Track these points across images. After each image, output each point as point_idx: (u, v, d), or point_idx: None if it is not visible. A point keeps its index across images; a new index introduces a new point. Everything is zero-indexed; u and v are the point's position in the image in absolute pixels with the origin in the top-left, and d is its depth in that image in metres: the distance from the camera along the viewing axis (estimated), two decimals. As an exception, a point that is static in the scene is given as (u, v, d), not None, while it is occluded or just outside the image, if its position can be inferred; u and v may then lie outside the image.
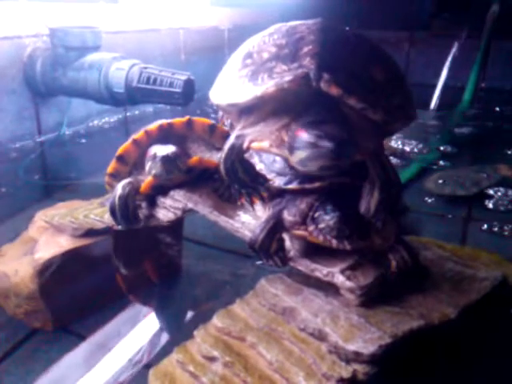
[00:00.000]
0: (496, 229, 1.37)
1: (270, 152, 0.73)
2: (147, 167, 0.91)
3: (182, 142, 0.99)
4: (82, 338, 0.92)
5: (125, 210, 0.94)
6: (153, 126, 0.96)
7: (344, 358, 0.67)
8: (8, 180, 1.71)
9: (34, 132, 2.16)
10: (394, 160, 1.89)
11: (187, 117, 0.98)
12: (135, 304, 1.06)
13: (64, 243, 1.01)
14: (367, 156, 0.71)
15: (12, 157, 1.97)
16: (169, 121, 0.97)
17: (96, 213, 1.04)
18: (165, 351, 0.80)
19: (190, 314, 1.02)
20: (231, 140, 0.75)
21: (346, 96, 0.64)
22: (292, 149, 0.67)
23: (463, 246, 1.22)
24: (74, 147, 2.18)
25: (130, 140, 0.96)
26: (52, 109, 2.22)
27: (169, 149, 0.91)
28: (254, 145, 0.73)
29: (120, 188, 0.94)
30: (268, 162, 0.85)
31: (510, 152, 2.09)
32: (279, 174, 0.82)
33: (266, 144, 0.71)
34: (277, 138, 0.70)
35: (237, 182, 0.78)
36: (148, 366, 0.81)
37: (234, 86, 0.71)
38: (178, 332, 0.96)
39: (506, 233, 1.35)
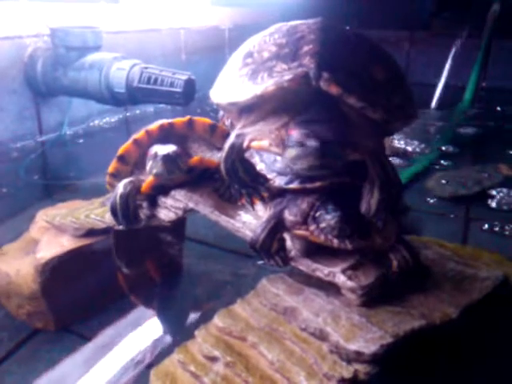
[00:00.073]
0: (497, 228, 1.37)
1: (270, 151, 0.73)
2: (148, 166, 0.91)
3: (183, 142, 0.99)
4: (83, 338, 0.92)
5: (126, 209, 0.94)
6: (153, 125, 0.96)
7: (345, 357, 0.67)
8: (9, 180, 1.71)
9: (35, 132, 2.16)
10: (396, 160, 1.89)
11: (188, 116, 0.98)
12: (136, 304, 1.06)
13: (65, 243, 1.01)
14: (366, 155, 0.71)
15: (13, 157, 1.97)
16: (169, 120, 0.97)
17: (97, 213, 1.04)
18: (166, 351, 0.80)
19: (191, 314, 1.02)
20: (231, 139, 0.75)
21: (345, 95, 0.64)
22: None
23: (464, 245, 1.22)
24: (75, 147, 2.18)
25: (130, 140, 0.96)
26: (53, 109, 2.23)
27: (170, 148, 0.91)
28: (254, 144, 0.73)
29: (121, 187, 0.94)
30: (269, 162, 0.85)
31: (511, 152, 2.09)
32: (280, 173, 0.82)
33: (265, 143, 0.71)
34: (276, 137, 0.70)
35: (237, 181, 0.78)
36: (149, 366, 0.81)
37: (234, 85, 0.71)
38: (179, 332, 0.96)
39: (507, 232, 1.35)
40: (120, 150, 0.97)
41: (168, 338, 0.95)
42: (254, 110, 0.72)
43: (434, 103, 2.99)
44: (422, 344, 0.72)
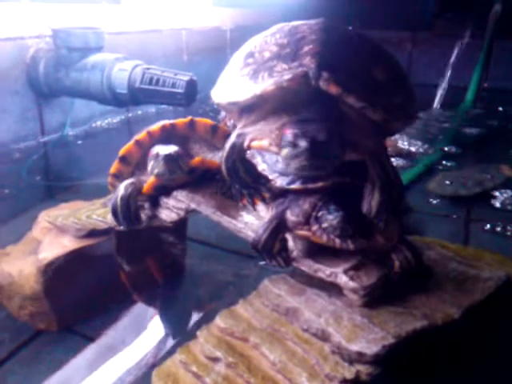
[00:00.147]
0: (499, 229, 1.36)
1: (270, 151, 0.72)
2: (149, 167, 0.91)
3: (185, 143, 0.99)
4: (86, 338, 0.92)
5: (126, 210, 0.94)
6: (155, 126, 0.97)
7: (347, 358, 0.67)
8: (11, 181, 1.71)
9: (37, 133, 2.17)
10: (400, 161, 1.89)
11: (189, 117, 0.98)
12: (139, 304, 1.06)
13: (67, 244, 1.01)
14: (366, 155, 0.71)
15: (15, 157, 1.97)
16: (171, 121, 0.97)
17: (98, 213, 1.04)
18: (168, 352, 0.80)
19: (193, 315, 1.02)
20: (232, 139, 0.75)
21: (345, 94, 0.64)
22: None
23: (466, 246, 1.22)
24: (77, 148, 2.18)
25: (132, 141, 0.96)
26: (55, 109, 2.23)
27: (171, 148, 0.91)
28: (254, 143, 0.73)
29: (122, 188, 0.94)
30: (271, 162, 0.85)
31: (513, 152, 2.09)
32: (282, 174, 0.82)
33: (265, 142, 0.71)
34: (276, 136, 0.69)
35: (238, 181, 0.78)
36: (151, 367, 0.81)
37: (235, 85, 0.71)
38: (180, 332, 0.96)
39: (509, 233, 1.34)
40: (122, 151, 0.97)
41: (170, 339, 0.94)
42: (254, 109, 0.72)
43: (436, 104, 2.99)
44: (424, 344, 0.72)
